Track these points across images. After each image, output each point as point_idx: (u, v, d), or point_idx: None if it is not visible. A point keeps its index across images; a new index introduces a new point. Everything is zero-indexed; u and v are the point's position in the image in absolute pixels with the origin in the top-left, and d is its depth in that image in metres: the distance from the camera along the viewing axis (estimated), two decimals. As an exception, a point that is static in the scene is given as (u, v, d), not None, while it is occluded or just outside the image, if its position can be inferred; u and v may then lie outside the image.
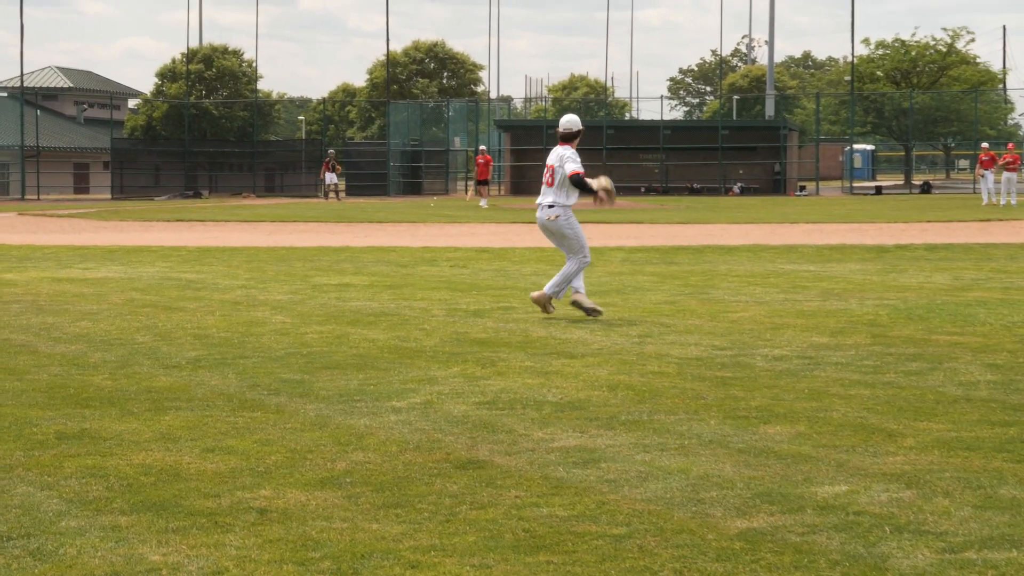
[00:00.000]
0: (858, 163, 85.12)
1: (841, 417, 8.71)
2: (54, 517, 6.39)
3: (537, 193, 14.59)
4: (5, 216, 45.14)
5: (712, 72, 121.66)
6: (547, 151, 15.50)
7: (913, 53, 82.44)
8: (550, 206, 14.15)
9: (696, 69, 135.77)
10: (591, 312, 14.02)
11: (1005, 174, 46.88)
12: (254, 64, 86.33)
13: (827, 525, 6.23)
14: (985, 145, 51.18)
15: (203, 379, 10.37)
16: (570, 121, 14.51)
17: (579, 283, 14.27)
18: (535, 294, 14.43)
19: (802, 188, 71.01)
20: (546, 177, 14.30)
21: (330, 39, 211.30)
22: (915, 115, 77.15)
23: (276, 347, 12.10)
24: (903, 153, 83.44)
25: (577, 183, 14.04)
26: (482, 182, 55.91)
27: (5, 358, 11.44)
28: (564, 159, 14.12)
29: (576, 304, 14.13)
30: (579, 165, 14.15)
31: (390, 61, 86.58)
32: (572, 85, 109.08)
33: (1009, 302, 15.56)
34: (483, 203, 52.66)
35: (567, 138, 14.37)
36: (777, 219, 38.98)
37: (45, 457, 7.63)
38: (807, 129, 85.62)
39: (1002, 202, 46.06)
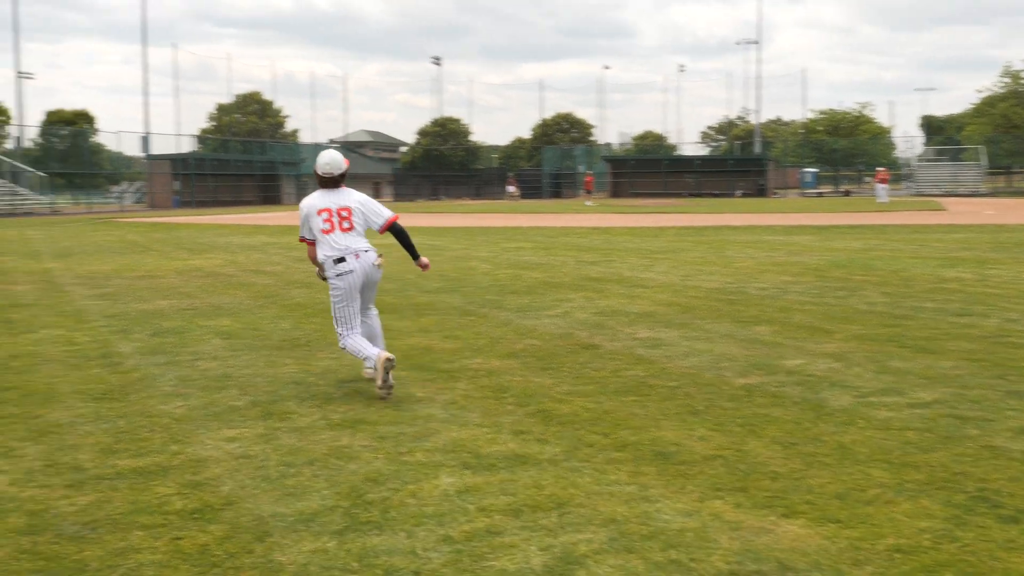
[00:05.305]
0: (809, 179, 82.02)
1: (799, 321, 8.48)
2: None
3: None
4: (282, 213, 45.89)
5: (726, 127, 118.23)
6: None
7: (840, 116, 79.66)
8: (366, 251, 5.94)
9: (717, 125, 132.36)
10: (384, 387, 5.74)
11: (880, 186, 44.79)
12: (470, 125, 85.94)
13: (791, 382, 6.09)
14: (879, 168, 49.00)
15: (443, 299, 10.45)
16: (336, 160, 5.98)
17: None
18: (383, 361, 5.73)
19: (776, 193, 68.90)
20: (338, 223, 5.88)
21: (508, 110, 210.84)
22: (841, 152, 74.45)
23: (482, 281, 12.15)
24: (834, 173, 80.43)
25: (398, 231, 6.13)
26: (588, 191, 55.59)
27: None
28: (370, 203, 6.05)
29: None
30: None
31: (543, 124, 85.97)
32: (645, 135, 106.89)
33: (894, 258, 14.95)
34: (589, 203, 52.05)
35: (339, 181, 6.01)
36: (762, 211, 37.90)
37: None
38: (780, 159, 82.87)
39: (883, 200, 44.04)
